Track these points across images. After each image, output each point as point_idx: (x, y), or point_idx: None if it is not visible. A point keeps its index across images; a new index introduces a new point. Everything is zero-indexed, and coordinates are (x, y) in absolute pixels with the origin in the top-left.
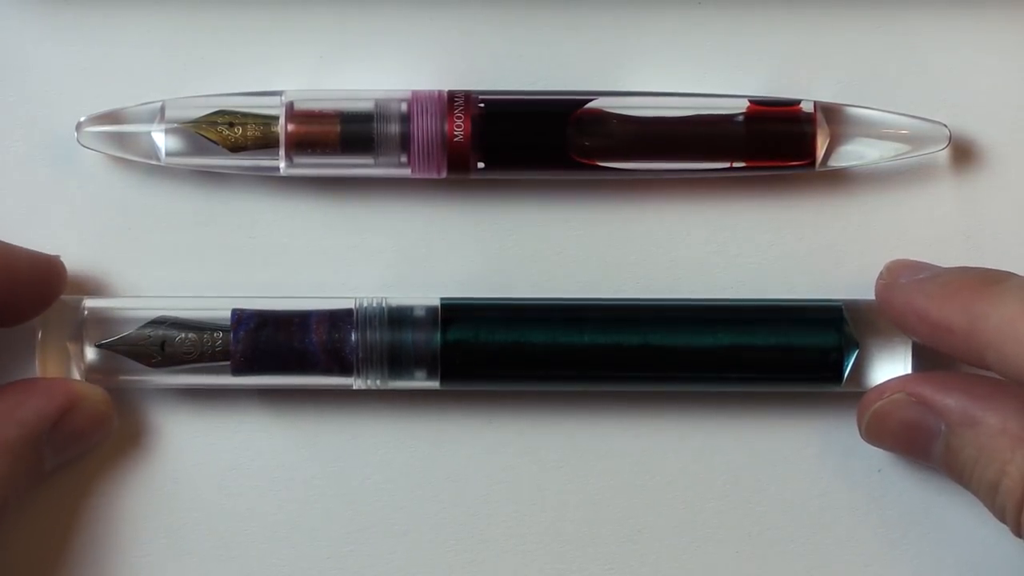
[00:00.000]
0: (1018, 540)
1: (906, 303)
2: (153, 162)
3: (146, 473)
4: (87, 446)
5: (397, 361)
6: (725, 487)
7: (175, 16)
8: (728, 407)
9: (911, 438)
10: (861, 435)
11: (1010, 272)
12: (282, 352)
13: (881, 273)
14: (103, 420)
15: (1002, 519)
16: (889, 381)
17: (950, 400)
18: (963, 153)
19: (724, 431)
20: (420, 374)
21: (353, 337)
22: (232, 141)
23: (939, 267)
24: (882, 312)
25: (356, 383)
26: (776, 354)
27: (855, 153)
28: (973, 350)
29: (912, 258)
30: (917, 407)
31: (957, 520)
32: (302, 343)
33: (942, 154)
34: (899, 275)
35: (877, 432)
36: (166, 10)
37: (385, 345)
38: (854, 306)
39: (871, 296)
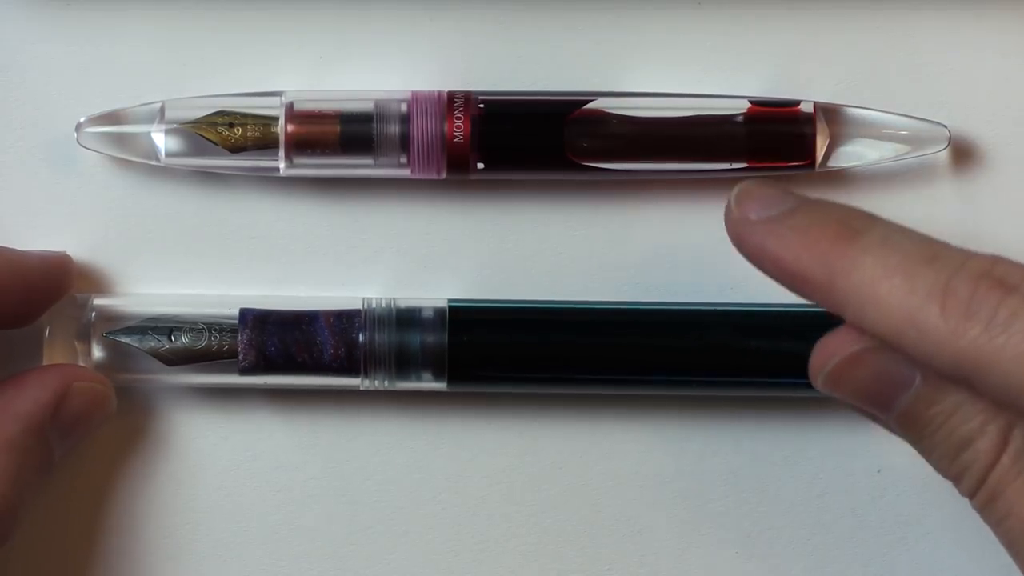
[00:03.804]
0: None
1: (759, 247)
2: (153, 162)
3: (147, 472)
4: (91, 427)
5: (405, 362)
6: (725, 487)
7: (175, 16)
8: (728, 407)
9: (879, 388)
10: (815, 382)
11: (869, 217)
12: (290, 352)
13: (728, 205)
14: (102, 399)
15: (954, 477)
16: (852, 330)
17: None
18: (963, 153)
19: (724, 431)
20: (427, 375)
21: (361, 338)
22: (232, 141)
23: (791, 196)
24: (738, 249)
25: (363, 384)
26: (782, 359)
27: (855, 154)
28: (833, 304)
29: (767, 183)
30: (893, 355)
31: (957, 520)
32: (310, 344)
33: (942, 154)
34: (748, 210)
35: (838, 380)
36: (166, 10)
37: (393, 346)
38: None
39: None
